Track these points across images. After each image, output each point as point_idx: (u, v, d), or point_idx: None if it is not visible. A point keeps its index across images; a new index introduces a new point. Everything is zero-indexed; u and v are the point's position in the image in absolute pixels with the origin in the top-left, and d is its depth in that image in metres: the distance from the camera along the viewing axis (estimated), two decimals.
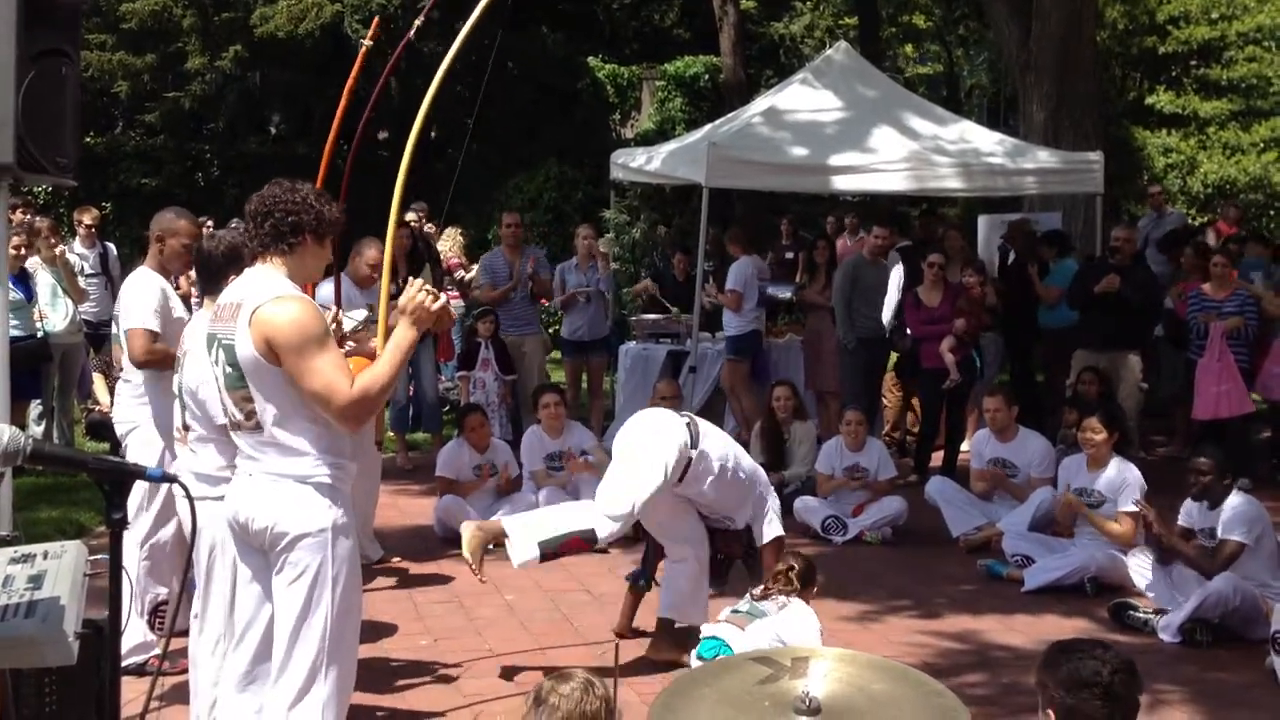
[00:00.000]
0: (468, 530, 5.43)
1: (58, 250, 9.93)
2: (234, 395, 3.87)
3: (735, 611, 5.58)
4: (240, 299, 3.81)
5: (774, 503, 5.93)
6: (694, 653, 5.56)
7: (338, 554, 3.74)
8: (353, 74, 5.50)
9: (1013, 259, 11.08)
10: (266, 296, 3.71)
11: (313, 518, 3.72)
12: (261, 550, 3.82)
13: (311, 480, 3.74)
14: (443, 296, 3.95)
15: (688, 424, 5.68)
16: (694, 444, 5.59)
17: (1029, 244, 11.09)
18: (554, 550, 5.50)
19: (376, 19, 6.06)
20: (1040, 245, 10.87)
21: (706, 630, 5.57)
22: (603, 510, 5.54)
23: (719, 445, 5.73)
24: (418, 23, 5.78)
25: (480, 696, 5.48)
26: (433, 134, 19.43)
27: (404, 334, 3.84)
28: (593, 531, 5.51)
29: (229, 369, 3.86)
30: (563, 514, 5.75)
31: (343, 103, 5.40)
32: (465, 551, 5.38)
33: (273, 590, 3.79)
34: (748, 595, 5.63)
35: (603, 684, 3.05)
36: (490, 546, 5.41)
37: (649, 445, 5.60)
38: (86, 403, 10.67)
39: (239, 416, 3.87)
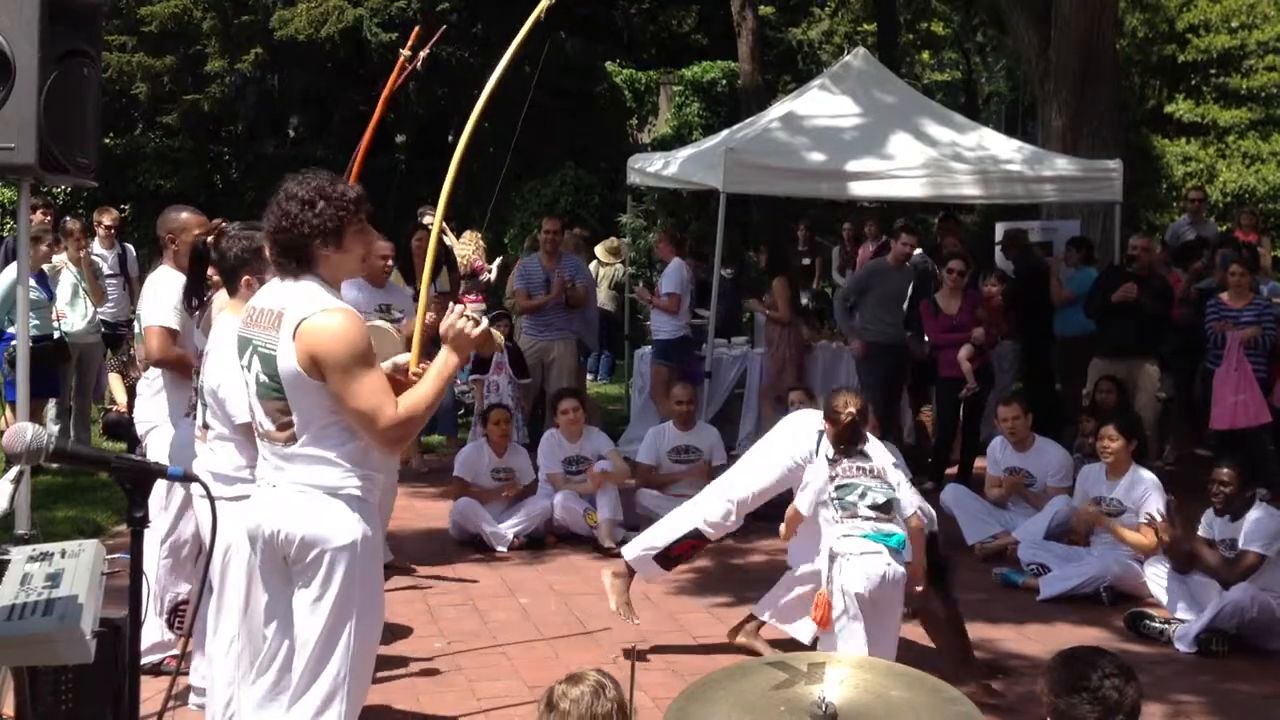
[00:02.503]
0: (607, 581, 6.30)
1: (83, 252, 10.01)
2: (267, 405, 3.73)
3: (869, 513, 5.30)
4: (282, 307, 3.67)
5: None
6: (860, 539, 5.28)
7: (364, 569, 3.66)
8: (390, 83, 5.47)
9: (1014, 268, 11.03)
10: (312, 309, 3.60)
11: (341, 531, 3.62)
12: (284, 566, 3.71)
13: (342, 493, 3.65)
14: (484, 321, 3.87)
15: (819, 433, 5.79)
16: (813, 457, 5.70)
17: (1025, 253, 11.08)
18: (668, 551, 6.14)
19: (416, 29, 5.99)
20: (1070, 249, 10.84)
21: (862, 528, 5.29)
22: (702, 514, 6.08)
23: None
24: (425, 52, 5.75)
25: (494, 700, 5.48)
26: (449, 137, 19.47)
27: (446, 360, 3.76)
28: (697, 531, 6.07)
29: (264, 378, 3.72)
30: (671, 522, 6.24)
31: (378, 112, 5.37)
32: (613, 604, 6.25)
33: (295, 603, 3.69)
34: (858, 492, 5.36)
35: (615, 686, 3.05)
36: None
37: (766, 447, 5.99)
38: (103, 403, 10.72)
39: (270, 427, 3.73)
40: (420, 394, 3.68)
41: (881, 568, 5.19)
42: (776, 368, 10.45)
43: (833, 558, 5.31)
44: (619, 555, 7.80)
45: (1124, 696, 3.05)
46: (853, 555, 5.24)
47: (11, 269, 9.15)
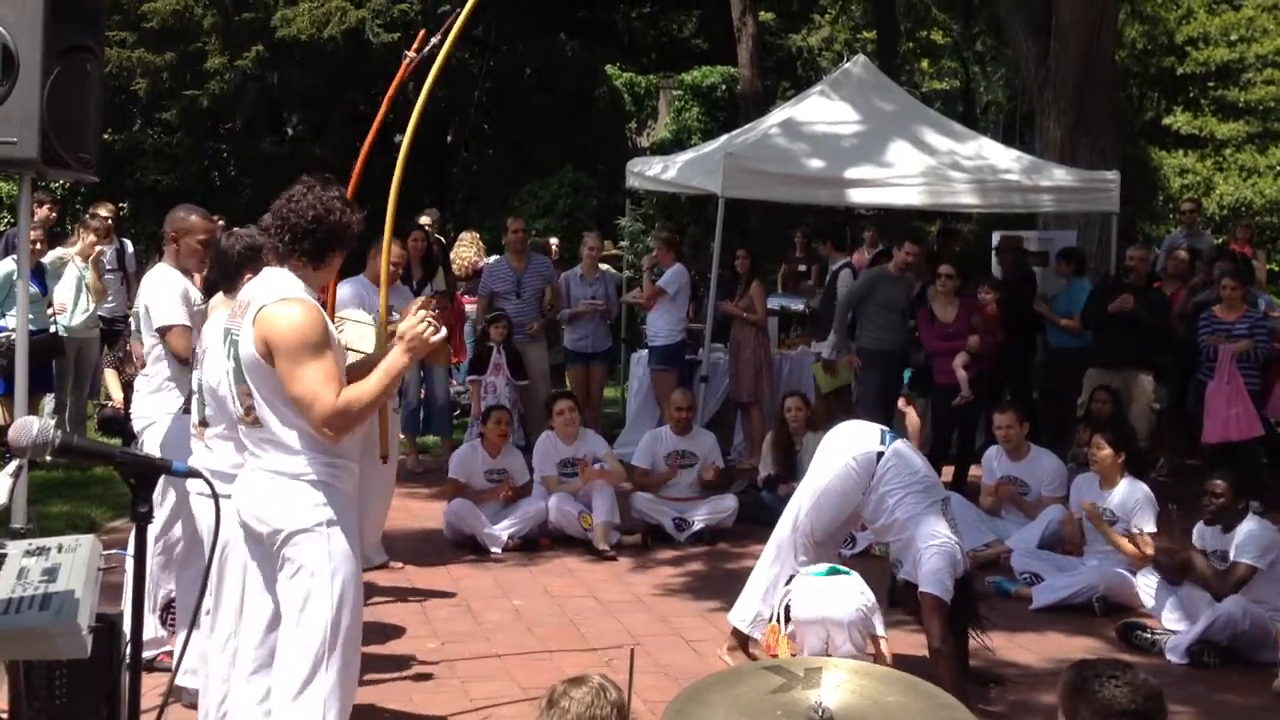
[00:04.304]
0: (729, 660, 5.90)
1: (97, 249, 10.02)
2: (238, 390, 3.98)
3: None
4: (250, 297, 3.90)
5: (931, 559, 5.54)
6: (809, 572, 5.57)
7: (334, 549, 3.79)
8: (394, 83, 5.50)
9: (1003, 274, 11.03)
10: (273, 297, 3.79)
11: (306, 514, 3.78)
12: (266, 545, 3.89)
13: (305, 477, 3.80)
14: (443, 330, 3.94)
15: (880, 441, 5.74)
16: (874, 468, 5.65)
17: (1018, 261, 11.13)
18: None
19: (423, 31, 6.02)
20: (1060, 261, 10.85)
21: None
22: (793, 562, 5.79)
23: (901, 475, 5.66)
24: (417, 53, 5.76)
25: (487, 701, 5.48)
26: (449, 138, 19.47)
27: (397, 359, 3.85)
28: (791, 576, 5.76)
29: (233, 364, 3.99)
30: (763, 582, 5.91)
31: (381, 112, 5.39)
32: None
33: (277, 583, 3.86)
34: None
35: (617, 690, 3.05)
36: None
37: (822, 467, 5.80)
38: (98, 398, 10.71)
39: (240, 411, 3.98)
40: (363, 388, 3.79)
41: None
42: (752, 372, 10.49)
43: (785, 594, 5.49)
44: (613, 558, 7.85)
45: (1163, 715, 3.07)
46: (803, 589, 5.41)
47: (6, 262, 9.16)
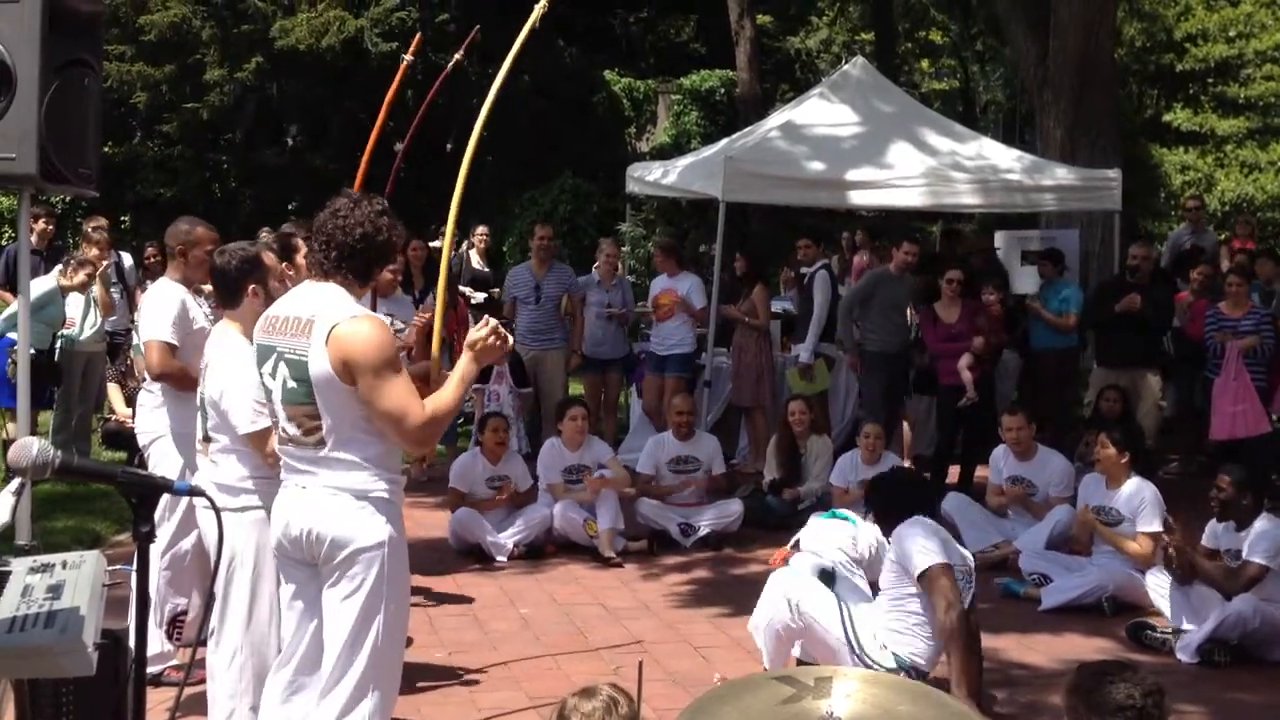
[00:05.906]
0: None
1: (104, 262, 10.02)
2: (293, 410, 3.81)
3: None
4: (311, 314, 3.76)
5: None
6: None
7: (392, 569, 3.77)
8: (391, 89, 5.49)
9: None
10: (342, 315, 3.71)
11: (371, 532, 3.74)
12: (309, 563, 3.82)
13: (371, 495, 3.76)
14: (509, 340, 3.99)
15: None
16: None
17: (988, 260, 11.14)
18: None
19: (419, 36, 6.05)
20: (1045, 262, 10.80)
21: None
22: None
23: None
24: (457, 55, 5.80)
25: (495, 710, 5.46)
26: (448, 146, 19.45)
27: (468, 367, 3.90)
28: None
29: (291, 383, 3.79)
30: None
31: (380, 119, 5.39)
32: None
33: (324, 603, 3.79)
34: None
35: (628, 703, 3.03)
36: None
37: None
38: (101, 412, 10.69)
39: (295, 431, 3.81)
40: (444, 397, 3.82)
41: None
42: (754, 376, 10.43)
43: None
44: (619, 565, 7.83)
45: (1164, 713, 3.08)
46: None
47: (46, 280, 9.22)
